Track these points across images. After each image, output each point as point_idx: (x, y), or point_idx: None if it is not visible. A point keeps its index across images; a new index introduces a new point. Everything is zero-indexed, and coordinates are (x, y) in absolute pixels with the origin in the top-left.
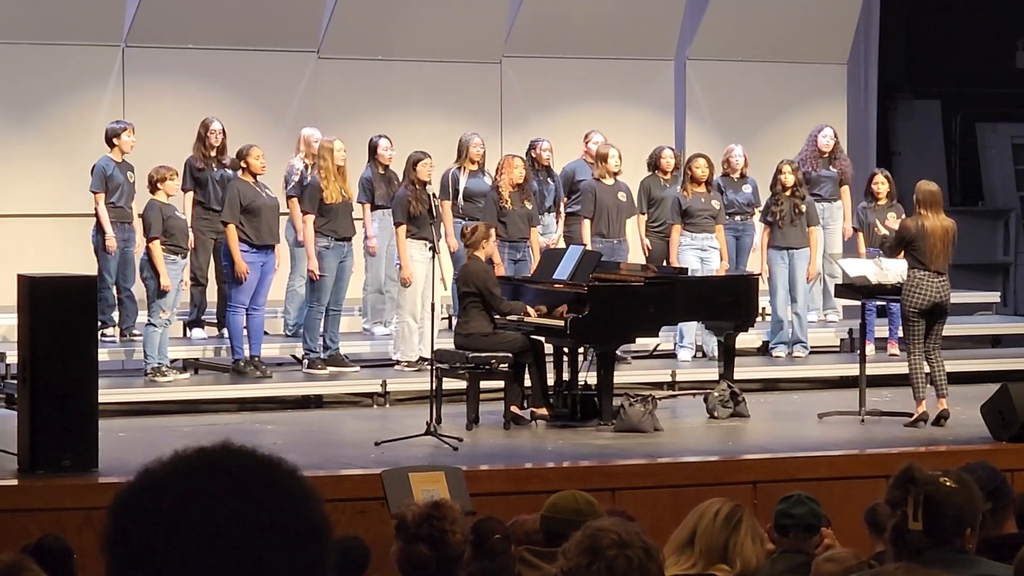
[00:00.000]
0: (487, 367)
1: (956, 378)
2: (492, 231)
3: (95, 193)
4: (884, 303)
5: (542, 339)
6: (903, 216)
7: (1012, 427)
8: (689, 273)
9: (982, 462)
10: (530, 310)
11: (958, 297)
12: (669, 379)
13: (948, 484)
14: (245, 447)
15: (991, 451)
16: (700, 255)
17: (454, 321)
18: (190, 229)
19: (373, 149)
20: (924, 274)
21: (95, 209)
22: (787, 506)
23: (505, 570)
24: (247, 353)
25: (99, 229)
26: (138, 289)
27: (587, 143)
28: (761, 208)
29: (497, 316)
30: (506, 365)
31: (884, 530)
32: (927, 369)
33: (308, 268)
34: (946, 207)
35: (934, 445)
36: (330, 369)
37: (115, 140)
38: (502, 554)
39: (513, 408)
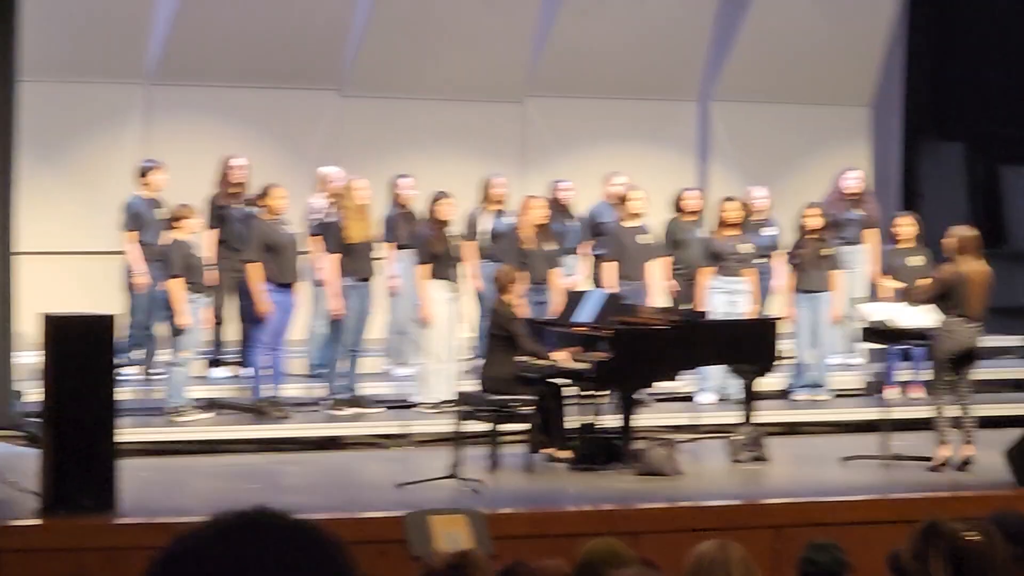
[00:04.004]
0: (509, 410)
1: (980, 422)
2: (518, 275)
3: (128, 231)
4: (907, 347)
5: (562, 382)
6: (928, 258)
7: None
8: (715, 316)
9: (1013, 510)
10: (565, 355)
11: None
12: (691, 422)
13: (973, 537)
14: (281, 512)
15: (1015, 497)
16: (729, 298)
17: (476, 362)
18: (211, 267)
19: (395, 188)
20: (959, 319)
21: (126, 247)
22: (811, 553)
23: None
24: (268, 393)
25: (129, 267)
26: (160, 327)
27: (609, 184)
28: (783, 251)
29: (521, 357)
30: (528, 408)
31: None
32: (949, 414)
33: (331, 307)
34: None
35: (958, 490)
36: (351, 410)
37: (147, 177)
38: None
39: (548, 450)
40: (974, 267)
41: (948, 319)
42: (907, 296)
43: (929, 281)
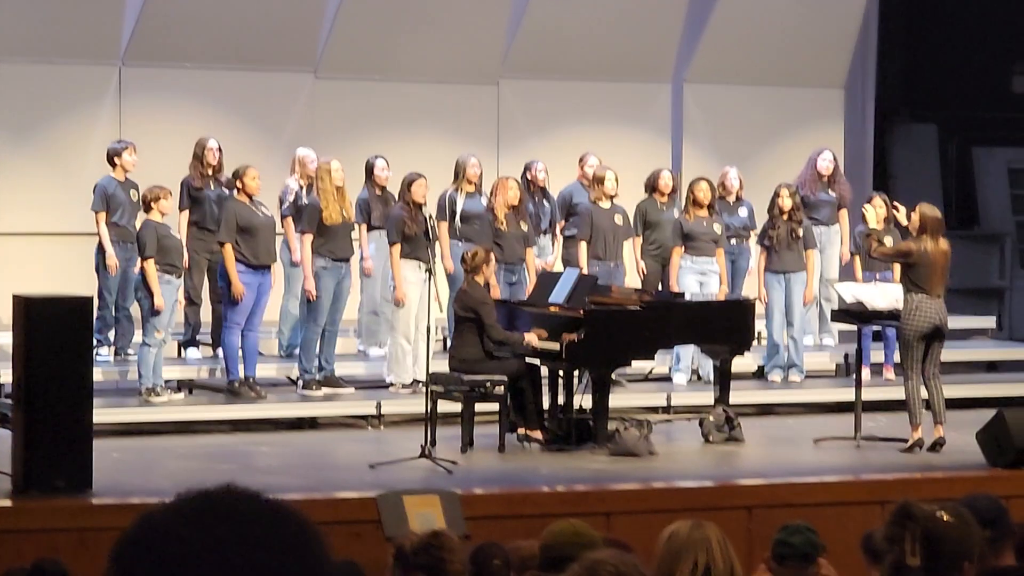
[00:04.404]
0: (482, 390)
1: (951, 404)
2: (492, 256)
3: (96, 212)
4: (880, 328)
5: (537, 362)
6: (900, 240)
7: (1008, 454)
8: (687, 297)
9: (984, 493)
10: (533, 336)
11: (954, 322)
12: (664, 403)
13: (946, 519)
14: (249, 491)
15: (986, 478)
16: (700, 279)
17: (449, 343)
18: (185, 249)
19: (370, 170)
20: (923, 297)
21: (97, 228)
22: (784, 535)
23: None
24: (242, 374)
25: (101, 248)
26: (134, 308)
27: (582, 166)
28: (757, 231)
29: (493, 344)
30: (501, 388)
31: (880, 557)
32: (924, 395)
33: (305, 288)
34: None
35: (929, 471)
36: (325, 390)
37: (117, 159)
38: None
39: (521, 430)
40: (936, 247)
41: (912, 296)
42: (868, 248)
43: (893, 245)
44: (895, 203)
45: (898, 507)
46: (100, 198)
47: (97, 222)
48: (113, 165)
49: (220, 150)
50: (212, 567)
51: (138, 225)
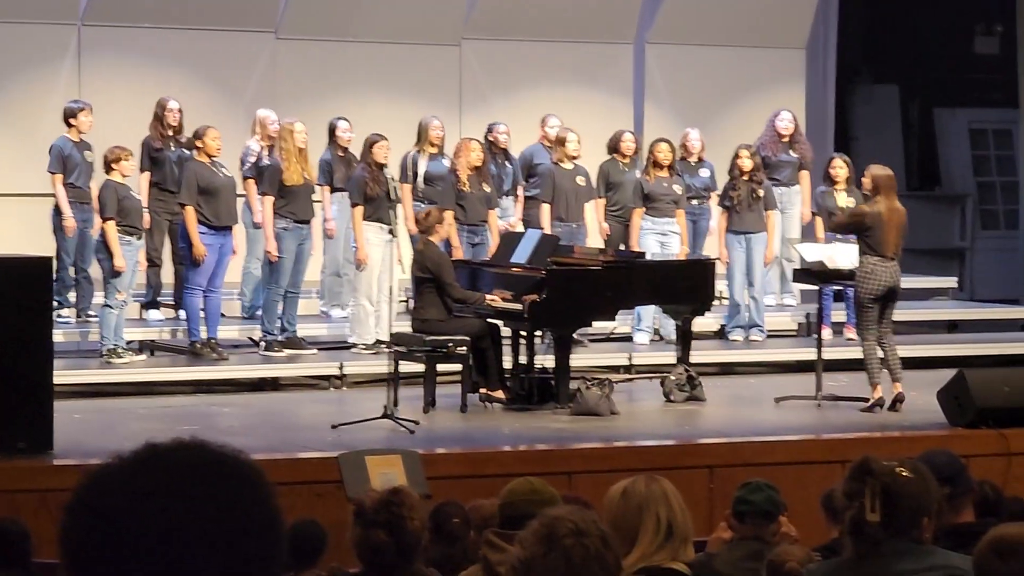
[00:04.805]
0: (444, 351)
1: (912, 363)
2: (446, 215)
3: (53, 174)
4: (841, 288)
5: (499, 323)
6: (861, 201)
7: (968, 413)
8: (648, 257)
9: (943, 449)
10: (495, 297)
11: (915, 282)
12: (626, 363)
13: (904, 474)
14: (198, 442)
15: (947, 437)
16: (661, 239)
17: (411, 304)
18: (145, 210)
19: (332, 131)
20: (877, 259)
21: (54, 190)
22: (745, 493)
23: (464, 555)
24: (204, 335)
25: (58, 210)
26: (95, 270)
27: (544, 127)
28: (718, 192)
29: (453, 303)
30: (463, 349)
31: (840, 515)
32: (881, 354)
33: (266, 250)
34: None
35: (890, 431)
36: (287, 352)
37: (72, 120)
38: (461, 539)
39: (484, 390)
40: (890, 207)
41: (867, 259)
42: (823, 222)
43: (846, 214)
44: (815, 213)
45: (857, 463)
46: (56, 159)
47: (54, 184)
48: (69, 126)
49: (180, 111)
50: (160, 518)
51: (95, 186)
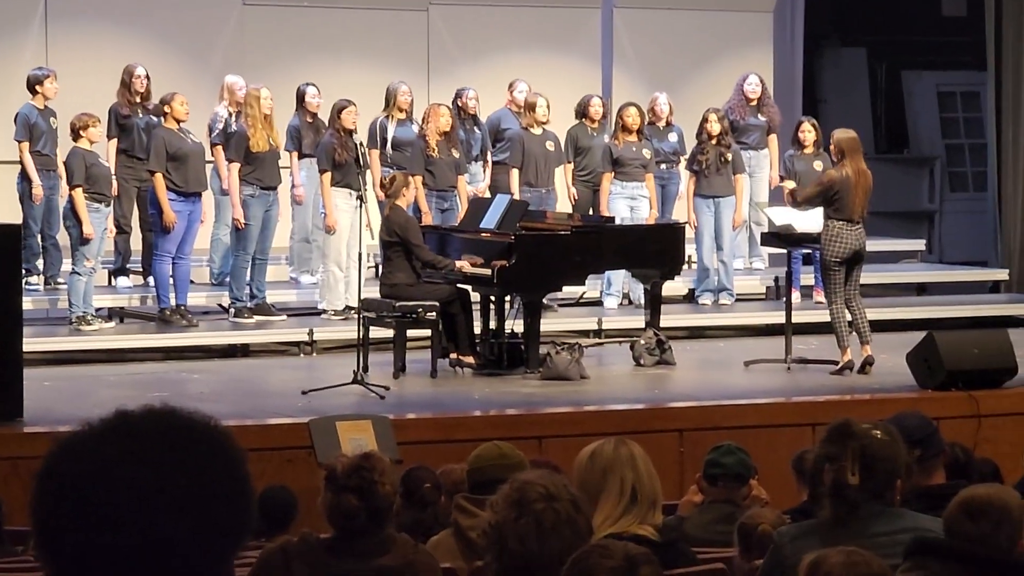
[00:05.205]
0: (414, 316)
1: (882, 326)
2: (412, 180)
3: (19, 142)
4: (809, 251)
5: (469, 288)
6: (829, 165)
7: (938, 375)
8: (618, 221)
9: (914, 411)
10: (465, 262)
11: (884, 245)
12: (595, 327)
13: (880, 436)
14: (169, 408)
15: (916, 399)
16: (630, 203)
17: (380, 270)
18: (114, 177)
19: (301, 97)
20: (842, 223)
21: (20, 158)
22: (717, 455)
23: (435, 519)
24: (173, 302)
25: (24, 177)
26: (63, 237)
27: (511, 91)
28: (687, 156)
29: (422, 267)
30: (433, 314)
31: (817, 478)
32: (849, 317)
33: (234, 217)
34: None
35: (859, 393)
36: (256, 318)
37: (38, 87)
38: (432, 504)
39: (454, 355)
40: (856, 170)
41: (833, 223)
42: (792, 198)
43: (813, 185)
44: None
45: (837, 425)
46: (23, 127)
47: (21, 151)
48: (34, 93)
49: (148, 77)
50: (130, 485)
51: (61, 153)
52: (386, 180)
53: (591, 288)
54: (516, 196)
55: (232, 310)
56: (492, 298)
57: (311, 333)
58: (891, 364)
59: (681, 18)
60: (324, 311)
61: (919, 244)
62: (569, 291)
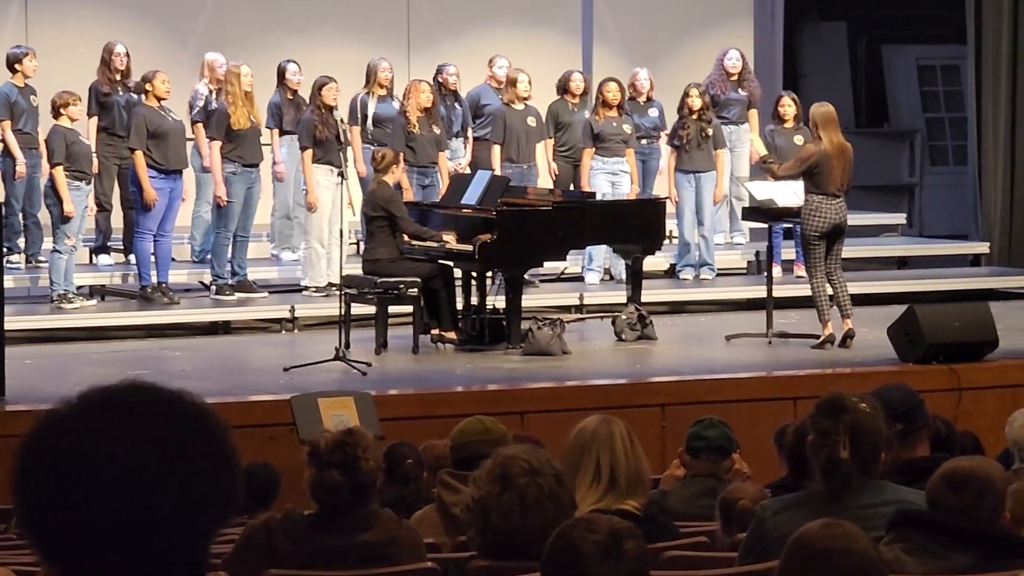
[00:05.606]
0: (395, 292)
1: (862, 300)
2: (401, 157)
3: (1, 121)
4: (790, 225)
5: (451, 264)
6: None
7: (918, 349)
8: (599, 197)
9: (899, 384)
10: (448, 237)
11: (864, 219)
12: (577, 302)
13: (867, 410)
14: (150, 383)
15: (898, 372)
16: (611, 179)
17: (362, 246)
18: (94, 155)
19: (281, 74)
20: (822, 197)
21: (2, 136)
22: (700, 428)
23: (418, 495)
24: (154, 280)
25: (7, 155)
26: (44, 216)
27: (491, 67)
28: (667, 132)
29: (406, 240)
30: (414, 290)
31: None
32: (830, 291)
33: (215, 194)
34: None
35: (840, 367)
36: (238, 295)
37: (17, 65)
38: (415, 479)
39: (436, 331)
40: (834, 143)
41: (812, 197)
42: (770, 173)
43: (793, 161)
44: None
45: (828, 399)
46: (3, 105)
47: (2, 130)
48: (13, 71)
49: (128, 55)
50: (113, 461)
51: (42, 131)
52: (377, 155)
53: (572, 263)
54: (497, 172)
55: (213, 287)
56: (474, 274)
57: (293, 310)
58: (872, 338)
59: None
60: (306, 288)
61: (900, 218)
62: (550, 267)
